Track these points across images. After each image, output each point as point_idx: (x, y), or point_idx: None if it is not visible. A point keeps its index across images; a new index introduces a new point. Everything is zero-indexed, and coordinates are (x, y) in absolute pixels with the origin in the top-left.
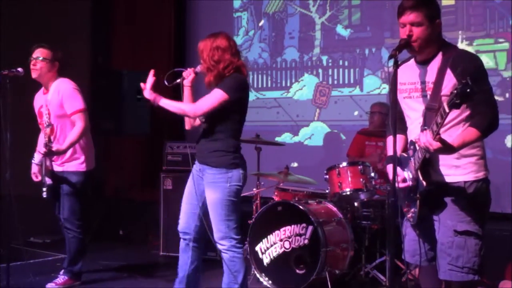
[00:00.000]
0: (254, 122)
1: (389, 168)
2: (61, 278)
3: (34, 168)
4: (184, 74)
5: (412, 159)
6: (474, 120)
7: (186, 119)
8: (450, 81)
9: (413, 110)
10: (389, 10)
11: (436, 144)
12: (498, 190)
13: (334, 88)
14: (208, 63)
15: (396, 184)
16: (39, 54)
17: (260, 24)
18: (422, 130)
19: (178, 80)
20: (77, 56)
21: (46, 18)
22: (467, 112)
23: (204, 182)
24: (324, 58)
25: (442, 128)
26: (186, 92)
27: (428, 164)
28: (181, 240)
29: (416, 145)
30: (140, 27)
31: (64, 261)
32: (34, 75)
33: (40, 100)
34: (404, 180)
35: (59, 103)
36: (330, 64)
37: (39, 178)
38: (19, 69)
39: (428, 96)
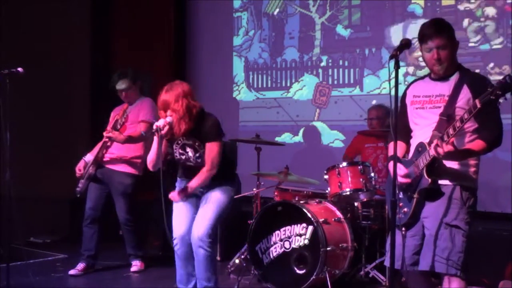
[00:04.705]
0: (254, 122)
1: (391, 165)
2: (135, 263)
3: (81, 164)
4: (160, 125)
5: (419, 158)
6: (482, 134)
7: (151, 162)
8: (465, 95)
9: (423, 119)
10: (389, 10)
11: (449, 147)
12: (498, 190)
13: (334, 88)
14: (180, 113)
15: (397, 180)
16: (123, 85)
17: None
18: (435, 135)
19: (154, 130)
20: (77, 56)
21: (46, 18)
22: (475, 126)
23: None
24: (324, 58)
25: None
26: (163, 143)
27: (435, 164)
28: (184, 251)
29: (426, 146)
30: (140, 27)
31: (128, 249)
32: (127, 102)
33: (119, 110)
34: (406, 176)
35: (137, 112)
36: (330, 64)
37: (82, 172)
38: (19, 69)
39: (442, 107)
